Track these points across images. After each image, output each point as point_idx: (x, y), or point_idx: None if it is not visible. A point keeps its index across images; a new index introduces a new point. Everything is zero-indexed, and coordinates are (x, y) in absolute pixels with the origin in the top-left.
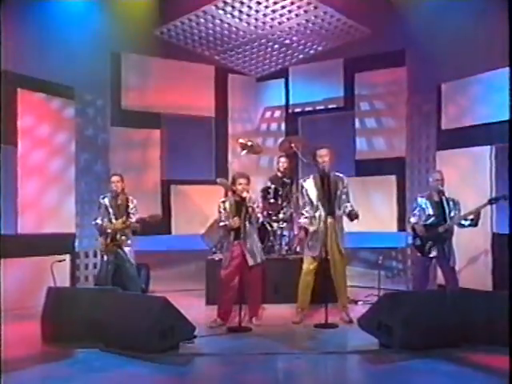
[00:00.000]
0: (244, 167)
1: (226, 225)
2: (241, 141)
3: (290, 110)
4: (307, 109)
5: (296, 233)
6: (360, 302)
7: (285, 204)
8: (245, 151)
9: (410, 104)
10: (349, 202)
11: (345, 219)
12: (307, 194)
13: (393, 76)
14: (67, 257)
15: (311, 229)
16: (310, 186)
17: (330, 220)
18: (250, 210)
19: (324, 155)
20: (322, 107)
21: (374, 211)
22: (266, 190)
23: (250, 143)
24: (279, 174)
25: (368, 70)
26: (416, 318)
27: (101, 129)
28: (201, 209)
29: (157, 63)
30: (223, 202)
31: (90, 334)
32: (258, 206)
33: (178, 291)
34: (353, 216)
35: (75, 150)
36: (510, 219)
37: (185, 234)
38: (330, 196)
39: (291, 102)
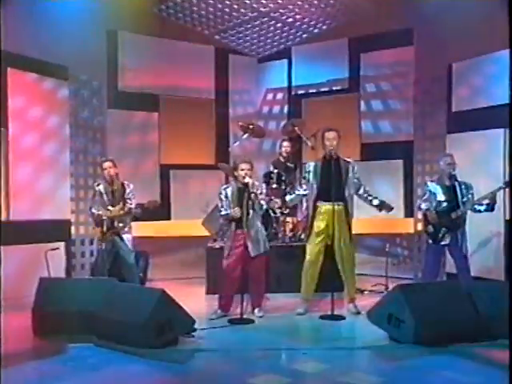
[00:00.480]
0: (245, 151)
1: (227, 214)
2: (241, 123)
3: (292, 92)
4: (311, 90)
5: (300, 219)
6: (366, 292)
7: (288, 189)
8: (246, 134)
9: (419, 85)
10: (363, 185)
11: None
12: (309, 177)
13: (400, 56)
14: (62, 244)
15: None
16: (315, 170)
17: (336, 206)
18: (252, 196)
19: (332, 138)
20: (326, 89)
21: (379, 196)
22: (268, 175)
23: (251, 126)
24: (282, 159)
25: (374, 50)
26: (429, 312)
27: (97, 111)
28: (201, 194)
29: (155, 43)
30: (225, 188)
31: (83, 327)
32: (261, 193)
33: (178, 279)
34: (386, 208)
35: (70, 133)
36: (510, 213)
37: (185, 220)
38: (337, 181)
39: (294, 84)
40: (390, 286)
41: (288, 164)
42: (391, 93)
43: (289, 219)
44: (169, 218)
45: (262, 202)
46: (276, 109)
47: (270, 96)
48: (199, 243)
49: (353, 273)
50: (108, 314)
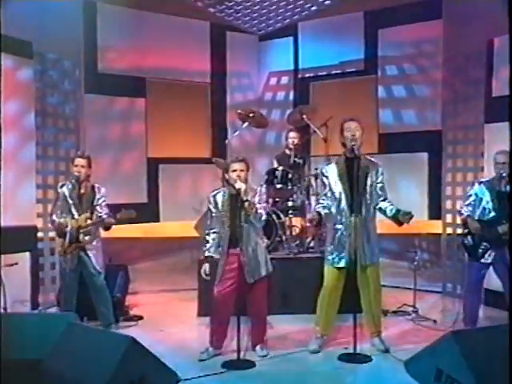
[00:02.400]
0: (245, 144)
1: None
2: (240, 111)
3: (299, 76)
4: (320, 73)
5: (307, 224)
6: (390, 313)
7: (295, 189)
8: (246, 124)
9: (449, 66)
10: (386, 198)
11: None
12: (329, 184)
13: (426, 32)
14: (27, 255)
15: (336, 226)
16: (332, 172)
17: (356, 218)
18: (246, 205)
19: (354, 129)
20: (338, 71)
21: (400, 195)
22: (272, 173)
23: (251, 114)
24: (288, 152)
25: (395, 25)
26: (495, 371)
27: (69, 96)
28: (195, 192)
29: (141, 17)
30: (214, 195)
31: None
32: (260, 199)
33: (166, 292)
34: (403, 220)
35: (35, 121)
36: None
37: (175, 222)
38: (358, 186)
39: (301, 66)
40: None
41: (295, 159)
42: (415, 75)
43: (295, 221)
44: (157, 220)
45: (261, 212)
46: (280, 95)
47: (273, 80)
48: (192, 246)
49: (378, 300)
50: (58, 365)
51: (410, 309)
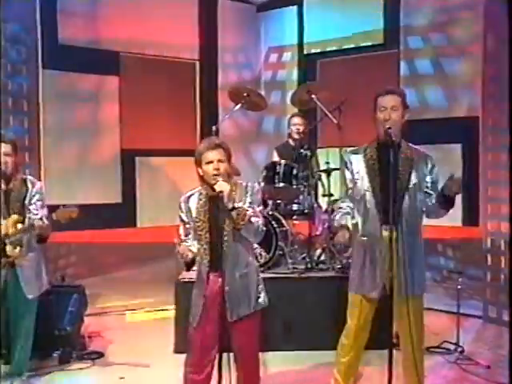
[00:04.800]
0: (240, 132)
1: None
2: (232, 90)
3: (305, 51)
4: (329, 48)
5: (318, 232)
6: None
7: (301, 189)
8: (238, 105)
9: (491, 36)
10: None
11: None
12: (353, 180)
13: None
14: None
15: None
16: (358, 165)
17: (392, 232)
18: (234, 215)
19: (391, 107)
20: (351, 45)
21: None
22: (271, 168)
23: (245, 94)
24: (292, 143)
25: None
26: None
27: (21, 72)
28: (179, 191)
29: None
30: (187, 199)
31: None
32: (252, 203)
33: (139, 311)
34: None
35: None
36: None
37: (156, 225)
38: (395, 185)
39: (307, 40)
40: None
41: (301, 150)
42: (447, 48)
43: (300, 225)
44: (133, 224)
45: (257, 221)
46: (282, 74)
47: (273, 57)
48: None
49: (421, 341)
50: None
51: (453, 346)
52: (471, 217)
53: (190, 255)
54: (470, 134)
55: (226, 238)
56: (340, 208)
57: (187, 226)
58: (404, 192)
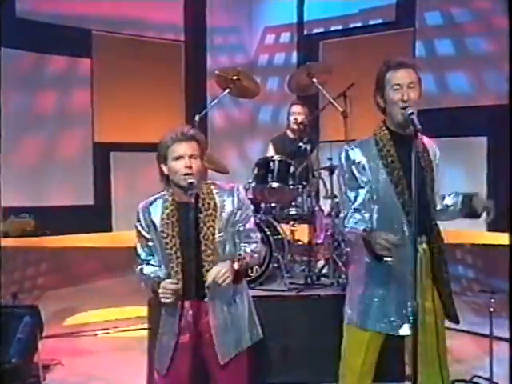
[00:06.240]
0: (231, 122)
1: (150, 278)
2: (219, 72)
3: (305, 31)
4: (334, 28)
5: (320, 240)
6: None
7: (300, 189)
8: (227, 91)
9: None
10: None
11: None
12: (359, 178)
13: None
14: None
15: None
16: (367, 158)
17: (424, 244)
18: (220, 229)
19: (408, 83)
20: (358, 24)
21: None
22: (264, 165)
23: (235, 77)
24: (291, 134)
25: None
26: None
27: None
28: (160, 190)
29: None
30: (146, 207)
31: None
32: (239, 207)
33: (113, 330)
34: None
35: None
36: (510, 222)
37: (133, 230)
38: (423, 188)
39: (307, 18)
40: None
41: (301, 144)
42: (469, 25)
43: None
44: (108, 229)
45: (257, 257)
46: (279, 57)
47: (270, 38)
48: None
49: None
50: None
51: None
52: (497, 221)
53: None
54: (498, 126)
55: (204, 256)
56: (348, 217)
57: (149, 243)
58: (431, 192)
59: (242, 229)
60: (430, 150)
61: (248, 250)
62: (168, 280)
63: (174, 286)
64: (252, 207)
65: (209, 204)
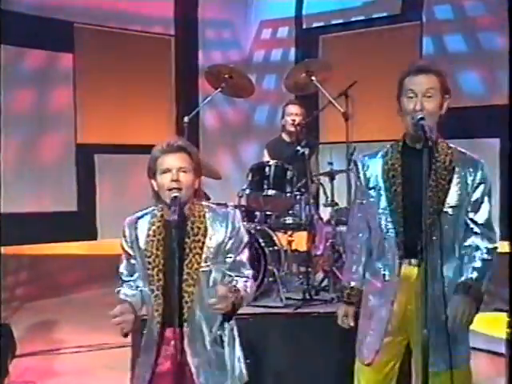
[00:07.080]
0: (225, 124)
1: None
2: (209, 69)
3: (304, 25)
4: (334, 21)
5: (320, 251)
6: None
7: (298, 196)
8: (218, 90)
9: None
10: (482, 233)
11: None
12: (365, 192)
13: None
14: None
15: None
16: (375, 172)
17: (413, 269)
18: (209, 251)
19: (424, 91)
20: (360, 17)
21: None
22: (258, 171)
23: (227, 75)
24: (287, 138)
25: None
26: None
27: None
28: (149, 195)
29: None
30: (133, 223)
31: None
32: (235, 232)
33: (96, 348)
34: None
35: None
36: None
37: (118, 237)
38: (438, 206)
39: (306, 11)
40: None
41: (298, 147)
42: (481, 19)
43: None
44: (93, 237)
45: (250, 292)
46: (276, 53)
47: (266, 32)
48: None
49: None
50: None
51: None
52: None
53: (131, 322)
54: None
55: (185, 285)
56: (351, 234)
57: (132, 261)
58: (438, 212)
59: (231, 260)
60: (461, 162)
61: (241, 284)
62: (119, 306)
63: (124, 315)
64: (247, 238)
65: (198, 228)
